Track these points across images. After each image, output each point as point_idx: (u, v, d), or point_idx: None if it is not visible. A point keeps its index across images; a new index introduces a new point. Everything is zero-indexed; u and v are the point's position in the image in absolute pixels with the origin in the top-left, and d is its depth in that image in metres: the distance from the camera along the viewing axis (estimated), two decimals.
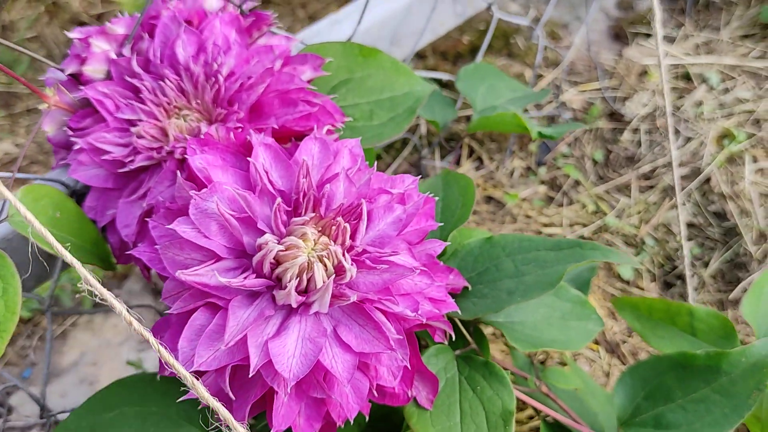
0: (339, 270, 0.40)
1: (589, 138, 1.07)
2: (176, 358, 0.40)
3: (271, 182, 0.42)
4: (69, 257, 0.28)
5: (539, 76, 1.16)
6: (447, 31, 0.85)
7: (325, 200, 0.41)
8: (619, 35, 1.26)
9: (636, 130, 1.07)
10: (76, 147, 0.50)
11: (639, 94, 1.11)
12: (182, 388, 0.39)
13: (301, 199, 0.42)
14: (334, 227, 0.41)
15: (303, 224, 0.41)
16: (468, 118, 1.09)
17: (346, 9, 0.76)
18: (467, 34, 1.23)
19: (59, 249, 0.28)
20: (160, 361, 0.44)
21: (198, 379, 0.40)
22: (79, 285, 0.37)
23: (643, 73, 1.16)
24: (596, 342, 0.86)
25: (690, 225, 0.95)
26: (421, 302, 0.44)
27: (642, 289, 0.90)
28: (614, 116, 1.10)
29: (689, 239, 0.93)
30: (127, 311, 0.29)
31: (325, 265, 0.40)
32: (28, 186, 0.48)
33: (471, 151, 1.07)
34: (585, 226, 0.97)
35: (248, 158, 0.42)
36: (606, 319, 0.86)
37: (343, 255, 0.40)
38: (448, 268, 0.50)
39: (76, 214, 0.51)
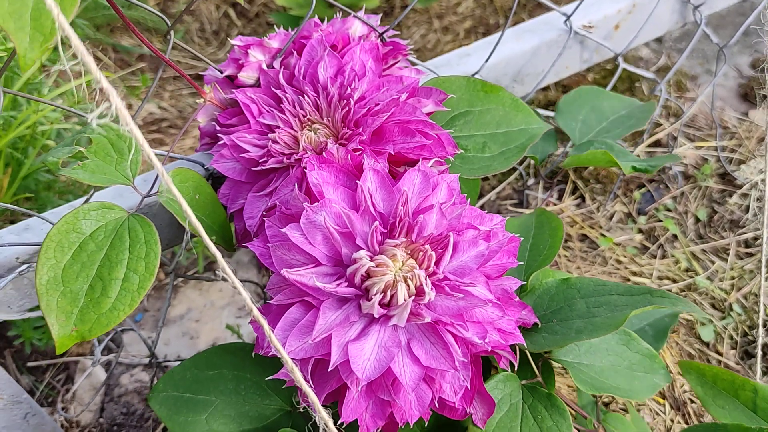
0: (420, 292, 0.45)
1: (696, 195, 1.07)
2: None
3: (373, 204, 0.48)
4: (213, 249, 0.35)
5: (657, 125, 1.17)
6: (571, 74, 0.88)
7: (418, 228, 0.47)
8: (748, 96, 1.24)
9: (746, 195, 1.06)
10: (221, 142, 0.59)
11: (756, 159, 1.10)
12: (276, 367, 0.46)
13: (396, 224, 0.47)
14: (421, 253, 0.46)
15: (395, 246, 0.46)
16: None
17: (476, 44, 0.81)
18: (593, 72, 1.26)
19: (206, 239, 0.35)
20: (257, 339, 0.51)
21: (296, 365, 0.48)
22: (192, 251, 0.45)
23: (764, 138, 1.14)
24: (663, 396, 0.87)
25: None
26: (490, 331, 0.49)
27: (720, 354, 0.91)
28: (726, 177, 1.10)
29: None
30: (255, 307, 0.36)
31: (408, 286, 0.45)
32: (177, 169, 0.57)
33: (575, 188, 1.10)
34: (674, 282, 0.98)
35: (357, 180, 0.49)
36: (677, 375, 0.88)
37: (425, 279, 0.46)
38: (522, 303, 0.55)
39: (212, 198, 0.59)
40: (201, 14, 1.57)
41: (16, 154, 0.96)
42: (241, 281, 1.03)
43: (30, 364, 0.96)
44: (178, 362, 0.96)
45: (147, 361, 0.97)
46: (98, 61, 1.43)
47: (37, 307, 0.57)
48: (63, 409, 0.92)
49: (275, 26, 0.68)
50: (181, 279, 1.08)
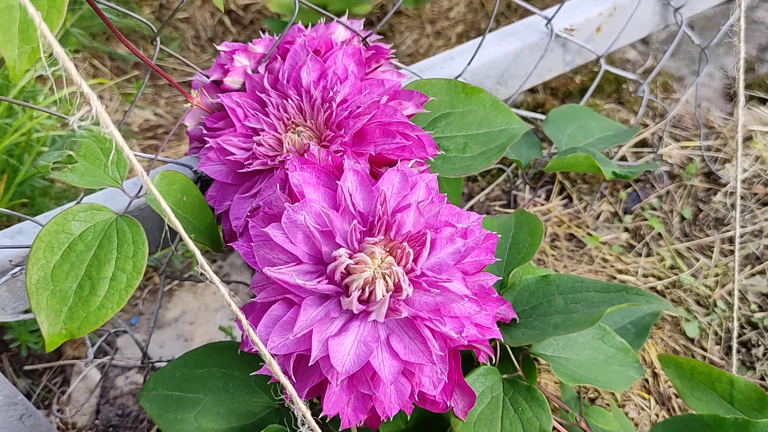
0: (398, 288, 0.46)
1: (681, 194, 1.09)
2: None
3: (353, 204, 0.49)
4: (192, 246, 0.36)
5: (644, 125, 1.18)
6: (554, 76, 0.90)
7: (396, 226, 0.48)
8: (733, 96, 1.25)
9: (730, 194, 1.08)
10: (208, 145, 0.60)
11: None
12: (260, 363, 0.48)
13: (375, 222, 0.48)
14: (399, 250, 0.47)
15: (374, 244, 0.47)
16: None
17: (460, 47, 0.82)
18: (580, 74, 1.27)
19: (184, 236, 0.37)
20: (242, 336, 0.52)
21: (275, 359, 0.49)
22: (186, 254, 0.46)
23: (749, 138, 1.16)
24: (648, 391, 0.89)
25: (765, 295, 0.96)
26: (467, 326, 0.50)
27: (705, 349, 0.92)
28: (711, 176, 1.12)
29: (764, 310, 0.94)
30: (233, 302, 0.37)
31: (386, 282, 0.46)
32: (165, 171, 0.58)
33: (562, 189, 1.12)
34: (659, 279, 0.99)
35: (338, 181, 0.50)
36: (662, 371, 0.89)
37: (403, 276, 0.47)
38: (500, 299, 0.56)
39: (199, 200, 0.60)
40: (196, 21, 1.59)
41: (11, 160, 0.98)
42: (234, 283, 1.05)
43: (26, 367, 0.97)
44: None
45: (142, 364, 0.99)
46: (94, 69, 1.45)
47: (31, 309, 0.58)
48: (59, 410, 0.94)
49: (270, 33, 0.70)
50: (176, 282, 1.09)
